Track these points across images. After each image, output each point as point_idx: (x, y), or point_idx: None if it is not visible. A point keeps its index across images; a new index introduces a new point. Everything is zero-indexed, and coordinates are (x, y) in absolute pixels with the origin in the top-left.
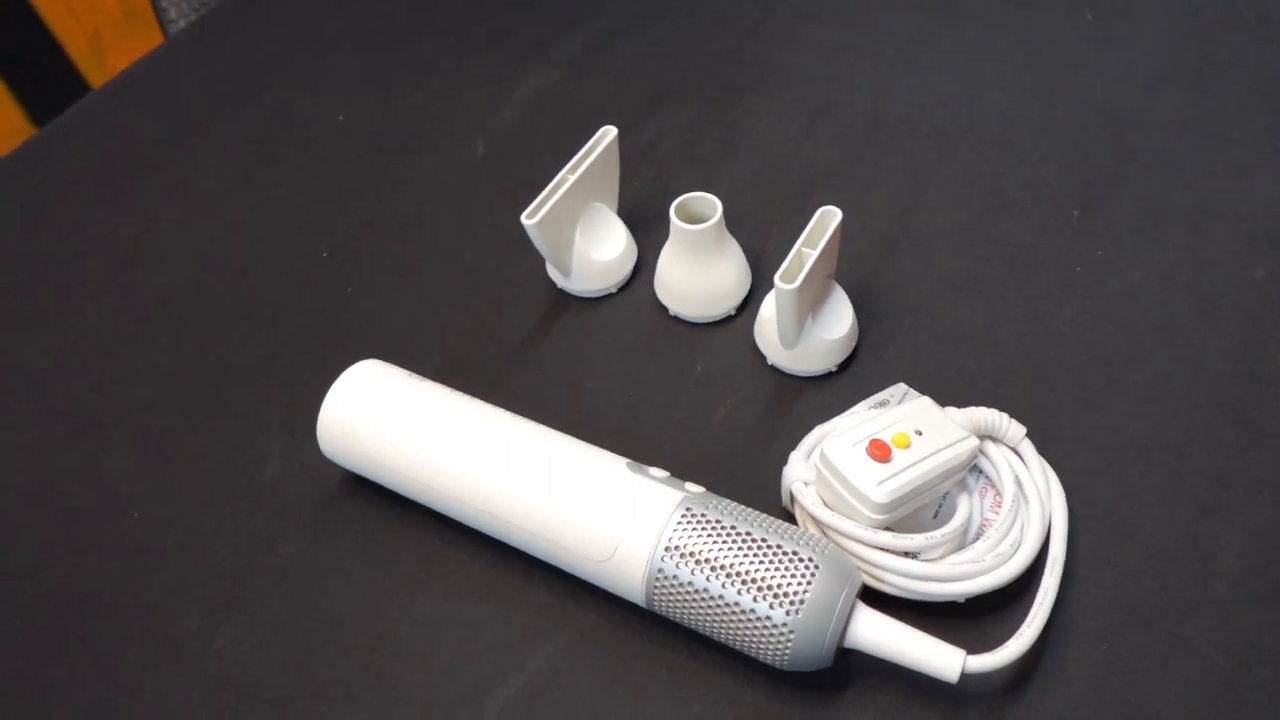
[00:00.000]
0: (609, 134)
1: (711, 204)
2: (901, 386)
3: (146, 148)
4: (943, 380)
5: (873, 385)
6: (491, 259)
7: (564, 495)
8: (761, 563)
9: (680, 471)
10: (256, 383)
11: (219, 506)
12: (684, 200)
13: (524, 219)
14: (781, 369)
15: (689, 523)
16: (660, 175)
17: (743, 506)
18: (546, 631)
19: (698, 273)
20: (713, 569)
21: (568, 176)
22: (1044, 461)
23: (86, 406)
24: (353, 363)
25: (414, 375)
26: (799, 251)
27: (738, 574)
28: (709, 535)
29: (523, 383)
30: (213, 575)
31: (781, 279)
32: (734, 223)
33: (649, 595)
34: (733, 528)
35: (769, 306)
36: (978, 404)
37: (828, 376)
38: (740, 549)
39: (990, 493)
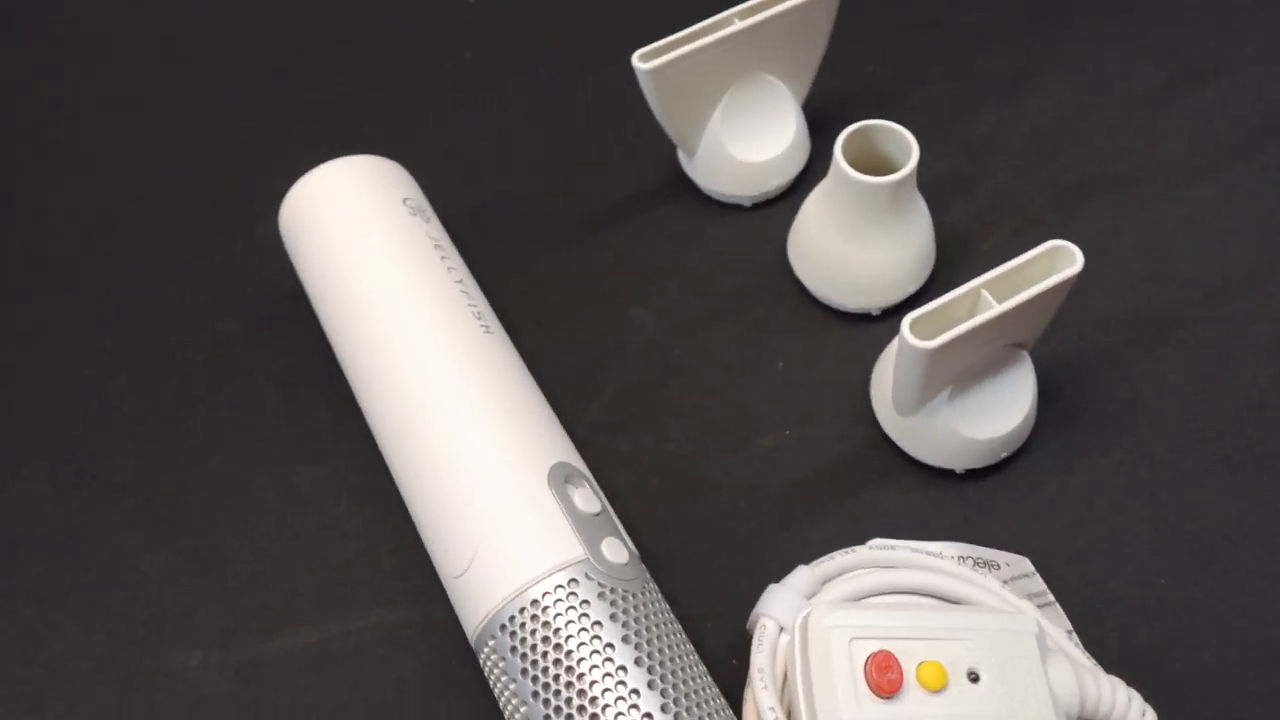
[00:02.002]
0: None
1: (903, 145)
2: (1027, 565)
3: None
4: (1113, 584)
5: (1000, 527)
6: (623, 93)
7: (447, 471)
8: None
9: (651, 506)
10: (303, 128)
11: (180, 247)
12: (862, 129)
13: (636, 60)
14: (884, 431)
15: (564, 601)
16: (907, 70)
17: (663, 612)
18: (391, 622)
19: (845, 241)
20: (545, 689)
21: (733, 20)
22: None
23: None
24: (375, 153)
25: (412, 206)
26: (975, 292)
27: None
28: (574, 637)
29: (551, 270)
30: (119, 322)
31: (913, 327)
32: (953, 185)
33: (479, 653)
34: (607, 646)
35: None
36: (1140, 656)
37: (945, 473)
38: (595, 688)
39: None
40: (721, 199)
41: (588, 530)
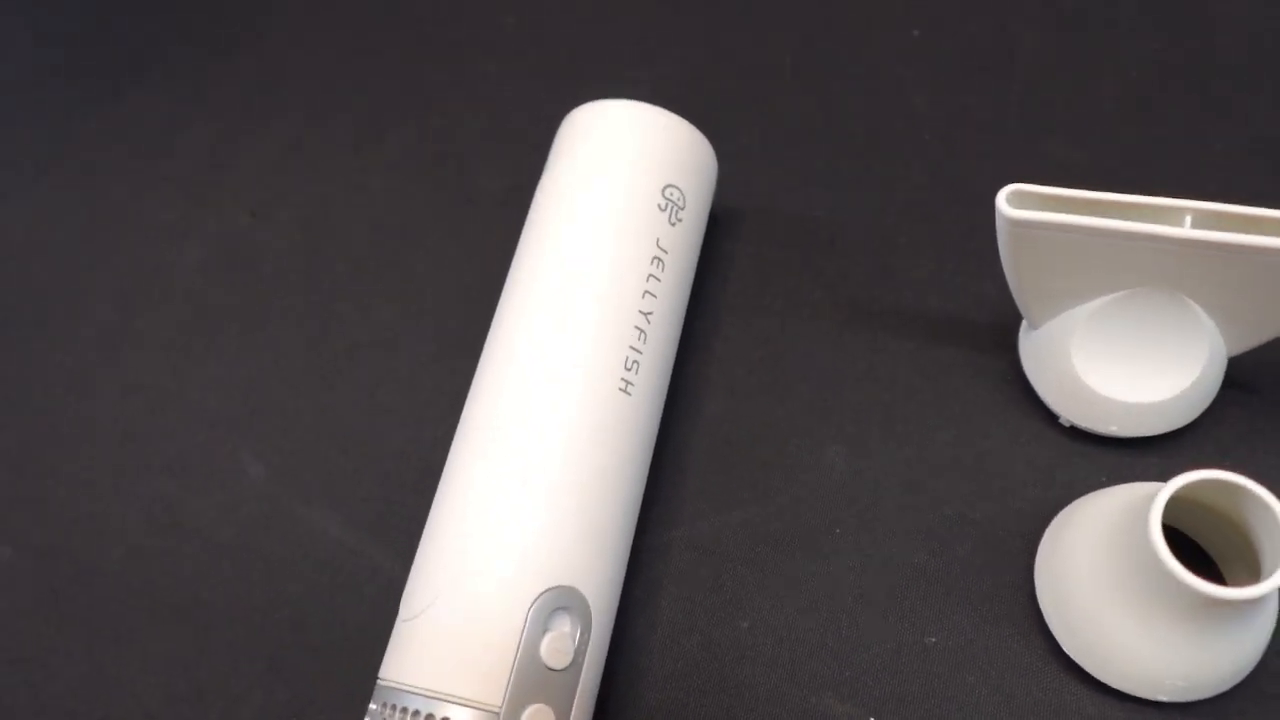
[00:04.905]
0: None
1: (1270, 527)
2: None
3: None
4: None
5: None
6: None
7: (459, 512)
8: None
9: (665, 681)
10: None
11: (495, 88)
12: (1208, 482)
13: (1002, 198)
14: None
15: None
16: None
17: None
18: None
19: (1134, 624)
20: None
21: (1183, 217)
22: None
23: None
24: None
25: (671, 198)
26: None
27: None
28: None
29: (789, 339)
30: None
31: None
32: None
33: (374, 695)
34: None
35: None
36: None
37: None
38: None
39: None
40: (1038, 396)
41: (528, 683)
